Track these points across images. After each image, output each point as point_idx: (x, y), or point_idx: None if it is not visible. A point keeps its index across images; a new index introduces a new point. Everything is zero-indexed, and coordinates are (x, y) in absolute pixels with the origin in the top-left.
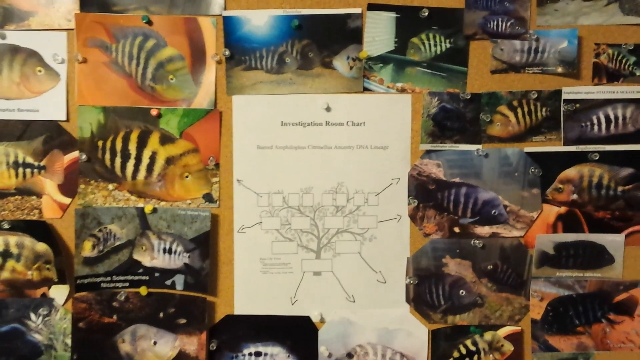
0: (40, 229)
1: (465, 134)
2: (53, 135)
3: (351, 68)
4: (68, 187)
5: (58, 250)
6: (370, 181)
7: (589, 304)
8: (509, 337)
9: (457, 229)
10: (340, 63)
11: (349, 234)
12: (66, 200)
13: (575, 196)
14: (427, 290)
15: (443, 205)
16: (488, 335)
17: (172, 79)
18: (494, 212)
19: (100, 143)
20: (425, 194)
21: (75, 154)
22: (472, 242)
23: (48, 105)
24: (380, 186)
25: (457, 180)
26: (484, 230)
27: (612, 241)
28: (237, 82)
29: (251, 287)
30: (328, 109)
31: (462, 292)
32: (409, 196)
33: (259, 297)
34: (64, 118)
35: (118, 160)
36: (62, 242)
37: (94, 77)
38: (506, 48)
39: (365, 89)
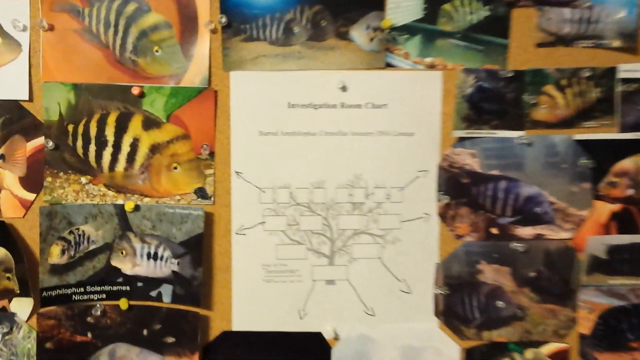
0: None
1: (505, 118)
2: (13, 118)
3: (371, 40)
4: (32, 181)
5: (20, 256)
6: (393, 174)
7: None
8: (554, 355)
9: (494, 230)
10: (359, 33)
11: (367, 235)
12: (29, 196)
13: (631, 191)
14: (459, 301)
15: (478, 202)
16: (530, 354)
17: (157, 50)
18: (538, 210)
19: (70, 127)
20: (458, 188)
21: (40, 140)
22: (511, 246)
23: (6, 81)
24: (404, 180)
25: (495, 172)
26: (526, 231)
27: None
28: (235, 55)
29: (252, 299)
30: (343, 88)
31: (500, 304)
32: (438, 191)
33: (261, 310)
34: (26, 97)
35: (92, 148)
36: (24, 246)
37: (62, 48)
38: (554, 17)
39: (388, 65)
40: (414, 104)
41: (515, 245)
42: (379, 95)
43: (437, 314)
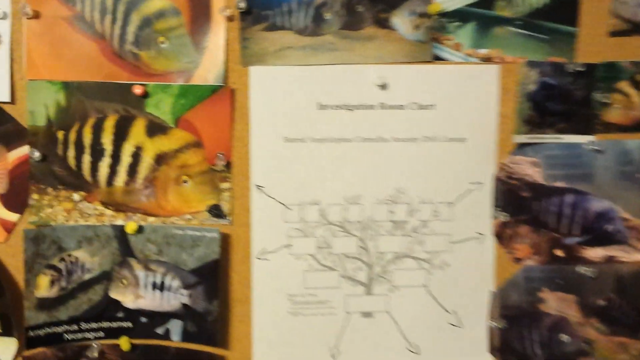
0: None
1: (572, 120)
2: None
3: (416, 28)
4: (14, 198)
5: (1, 289)
6: (441, 187)
7: None
8: None
9: (559, 252)
10: (401, 21)
11: (411, 260)
12: (12, 217)
13: None
14: (517, 335)
15: (541, 220)
16: None
17: (163, 42)
18: (610, 229)
19: (60, 134)
20: (517, 204)
21: (24, 149)
22: (579, 270)
23: None
24: (454, 194)
25: (560, 184)
26: (596, 253)
27: None
28: (256, 47)
29: (276, 335)
30: (383, 86)
31: (564, 337)
32: (494, 207)
33: (286, 349)
34: (7, 98)
35: (87, 158)
36: (6, 276)
37: (50, 40)
38: (631, 1)
39: (436, 58)
40: (466, 104)
41: (583, 269)
42: (425, 94)
43: (492, 350)
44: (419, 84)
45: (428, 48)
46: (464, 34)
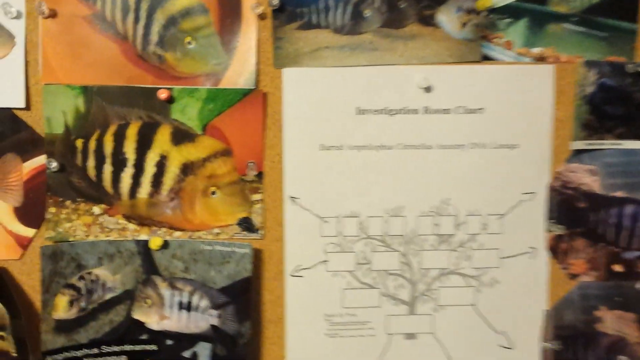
0: None
1: (633, 124)
2: (5, 131)
3: (464, 25)
4: (30, 212)
5: (16, 310)
6: (491, 197)
7: None
8: None
9: (618, 267)
10: (448, 18)
11: (458, 276)
12: (27, 232)
13: None
14: (572, 357)
15: (598, 233)
16: None
17: (189, 42)
18: None
19: (79, 143)
20: (573, 215)
21: (40, 159)
22: (638, 287)
23: None
24: (505, 205)
25: (619, 194)
26: None
27: None
28: (290, 47)
29: (312, 359)
30: (428, 89)
31: (623, 359)
32: (548, 219)
33: None
34: (21, 104)
35: (108, 168)
36: (22, 297)
37: (68, 40)
38: None
39: (485, 58)
40: (518, 107)
41: None
42: (473, 97)
43: None
44: (467, 86)
45: (476, 47)
46: (516, 31)
